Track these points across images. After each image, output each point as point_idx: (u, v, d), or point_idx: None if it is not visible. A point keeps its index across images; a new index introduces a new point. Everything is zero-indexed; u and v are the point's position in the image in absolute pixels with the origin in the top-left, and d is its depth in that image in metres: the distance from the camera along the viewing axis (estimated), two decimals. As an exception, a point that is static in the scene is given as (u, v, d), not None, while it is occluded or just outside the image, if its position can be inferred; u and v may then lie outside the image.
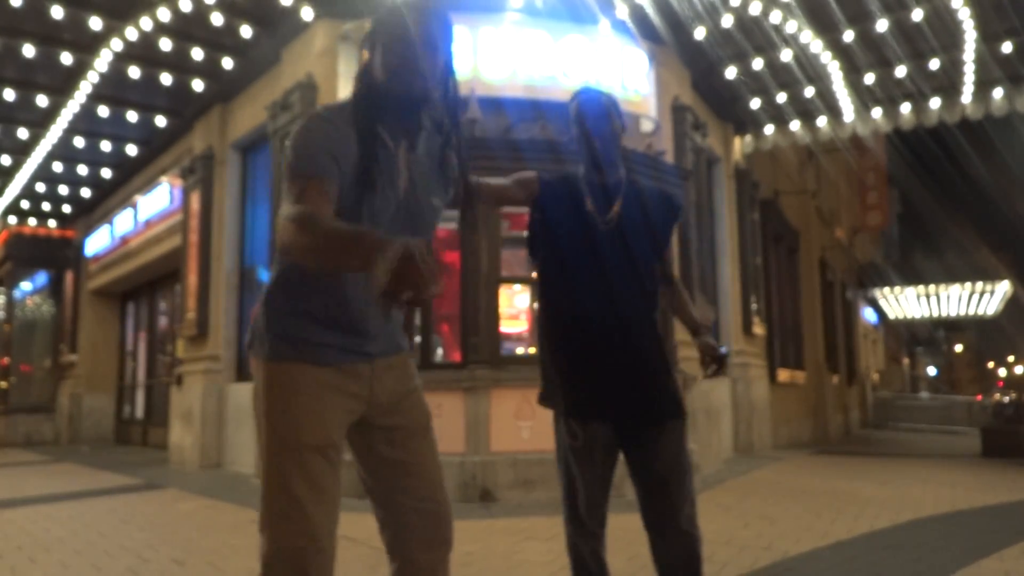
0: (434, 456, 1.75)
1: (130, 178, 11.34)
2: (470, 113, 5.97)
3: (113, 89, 8.19)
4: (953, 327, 41.45)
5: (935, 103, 8.95)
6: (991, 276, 20.55)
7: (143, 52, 7.43)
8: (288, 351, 1.59)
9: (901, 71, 8.22)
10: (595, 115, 2.14)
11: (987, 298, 21.34)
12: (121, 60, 7.51)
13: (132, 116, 9.01)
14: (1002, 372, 60.77)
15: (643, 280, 2.15)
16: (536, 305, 2.33)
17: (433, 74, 1.61)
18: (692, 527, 2.09)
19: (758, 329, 9.82)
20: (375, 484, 1.72)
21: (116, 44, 7.23)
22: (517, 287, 7.69)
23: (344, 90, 6.76)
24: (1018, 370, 59.15)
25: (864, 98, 8.95)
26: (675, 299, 2.32)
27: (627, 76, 7.04)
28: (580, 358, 2.13)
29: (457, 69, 1.71)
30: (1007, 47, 7.72)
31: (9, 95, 8.19)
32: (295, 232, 1.39)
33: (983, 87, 8.59)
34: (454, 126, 1.72)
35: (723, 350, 2.16)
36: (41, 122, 9.00)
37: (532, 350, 7.59)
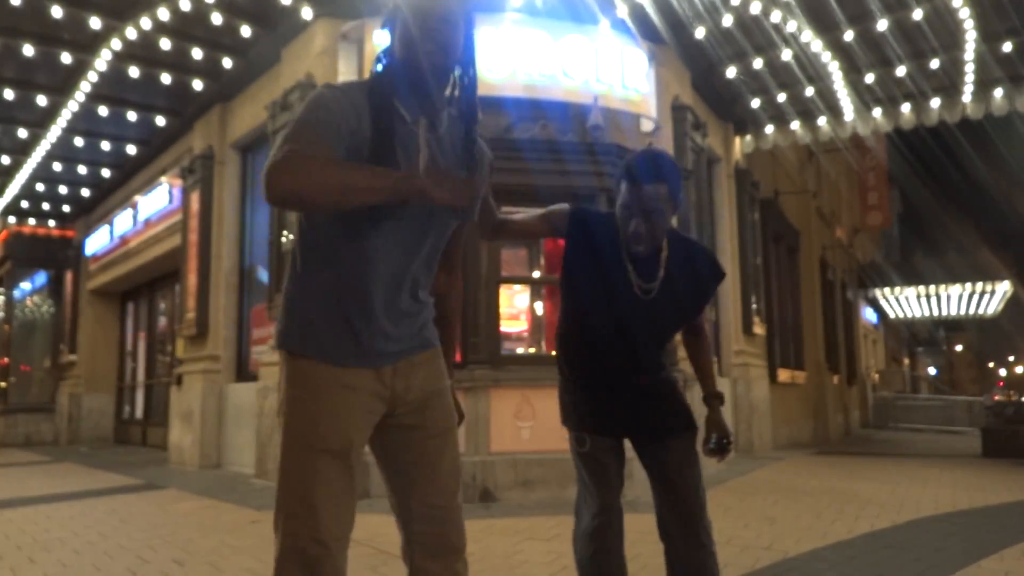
0: (451, 462, 1.67)
1: (130, 178, 11.34)
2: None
3: (113, 89, 8.19)
4: (954, 327, 41.46)
5: (935, 103, 8.94)
6: (992, 276, 20.52)
7: (143, 52, 7.43)
8: (310, 347, 1.55)
9: (901, 71, 8.22)
10: (658, 208, 1.95)
11: (987, 298, 21.32)
12: (121, 60, 7.51)
13: (132, 116, 9.01)
14: (1003, 372, 60.76)
15: (665, 335, 2.18)
16: (557, 325, 2.23)
17: (454, 50, 1.57)
18: (708, 541, 2.08)
19: (758, 329, 9.81)
20: (390, 485, 1.68)
21: (116, 44, 7.23)
22: (517, 287, 7.70)
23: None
24: (1019, 370, 59.13)
25: (864, 98, 8.95)
26: (698, 352, 2.27)
27: (627, 76, 7.03)
28: (590, 387, 2.15)
29: (476, 54, 1.65)
30: (1007, 47, 7.72)
31: (9, 95, 8.19)
32: (312, 168, 1.37)
33: (983, 87, 8.58)
34: (471, 114, 1.65)
35: (729, 439, 2.13)
36: (41, 122, 8.99)
37: (532, 350, 7.59)
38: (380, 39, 6.62)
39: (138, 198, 11.06)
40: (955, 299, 21.45)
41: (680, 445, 2.10)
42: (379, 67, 1.60)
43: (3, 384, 13.87)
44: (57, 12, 6.69)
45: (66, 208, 13.06)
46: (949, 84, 8.61)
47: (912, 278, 20.54)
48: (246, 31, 7.21)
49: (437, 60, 1.55)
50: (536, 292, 7.88)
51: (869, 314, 22.14)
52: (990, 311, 22.67)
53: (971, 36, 7.51)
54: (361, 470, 1.59)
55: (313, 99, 1.51)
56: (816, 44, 7.74)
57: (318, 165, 1.39)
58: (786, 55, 7.93)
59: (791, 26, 7.42)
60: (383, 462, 1.69)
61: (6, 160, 10.28)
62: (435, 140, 1.60)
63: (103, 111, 8.69)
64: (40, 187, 11.59)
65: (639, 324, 2.07)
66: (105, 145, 9.99)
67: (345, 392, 1.55)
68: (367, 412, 1.58)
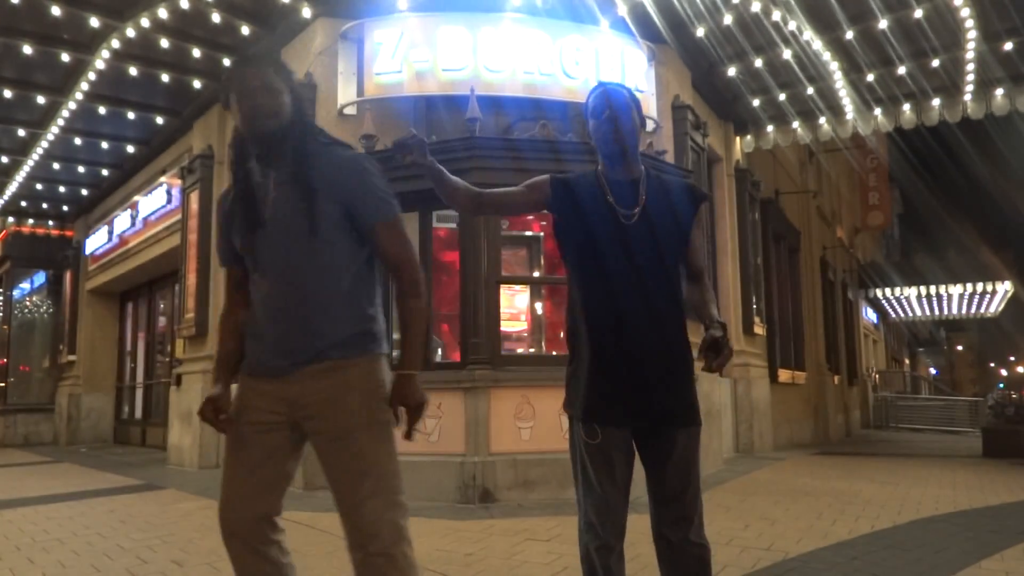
0: (351, 462, 1.84)
1: (129, 178, 11.33)
2: (470, 112, 5.95)
3: (112, 88, 8.18)
4: (954, 327, 41.46)
5: (936, 102, 8.93)
6: (992, 276, 20.51)
7: (142, 51, 7.42)
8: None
9: (902, 70, 8.21)
10: (621, 109, 2.13)
11: (988, 298, 21.31)
12: (120, 59, 7.50)
13: (131, 115, 9.00)
14: (1003, 372, 60.76)
15: (668, 277, 2.10)
16: (567, 306, 2.25)
17: (279, 113, 1.88)
18: (701, 539, 2.05)
19: (759, 329, 9.80)
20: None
21: (115, 43, 7.22)
22: (517, 287, 7.69)
23: (343, 89, 6.75)
24: (1020, 370, 59.14)
25: (865, 97, 8.94)
26: (699, 294, 2.19)
27: (627, 75, 7.02)
28: (603, 359, 2.06)
29: (306, 108, 2.02)
30: (1008, 46, 7.71)
31: (8, 94, 8.18)
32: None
33: (984, 86, 8.57)
34: (302, 155, 1.91)
35: (726, 343, 2.01)
36: (40, 121, 8.99)
37: (532, 350, 7.58)
38: (380, 39, 6.64)
39: (137, 198, 11.05)
40: (956, 299, 21.44)
41: (684, 448, 2.05)
42: (231, 138, 1.98)
43: (2, 384, 13.87)
44: (56, 12, 6.68)
45: (65, 208, 13.05)
46: (950, 84, 8.60)
47: (913, 278, 20.53)
48: (246, 31, 7.19)
49: (269, 129, 1.88)
50: (536, 292, 7.87)
51: (870, 314, 22.13)
52: (991, 311, 22.67)
53: (972, 35, 7.50)
54: (276, 460, 1.91)
55: (216, 219, 2.14)
56: (816, 43, 7.73)
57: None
58: (786, 54, 7.92)
59: (791, 25, 7.41)
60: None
61: (5, 160, 10.26)
62: (280, 185, 1.91)
63: (102, 111, 8.68)
64: (39, 187, 11.59)
65: (631, 255, 2.06)
66: (104, 145, 9.98)
67: (246, 387, 1.96)
68: (262, 408, 1.91)
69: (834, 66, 8.15)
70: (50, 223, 13.65)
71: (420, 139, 2.07)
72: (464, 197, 2.16)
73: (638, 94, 7.13)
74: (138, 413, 12.64)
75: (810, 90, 8.75)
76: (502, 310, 6.25)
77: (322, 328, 1.86)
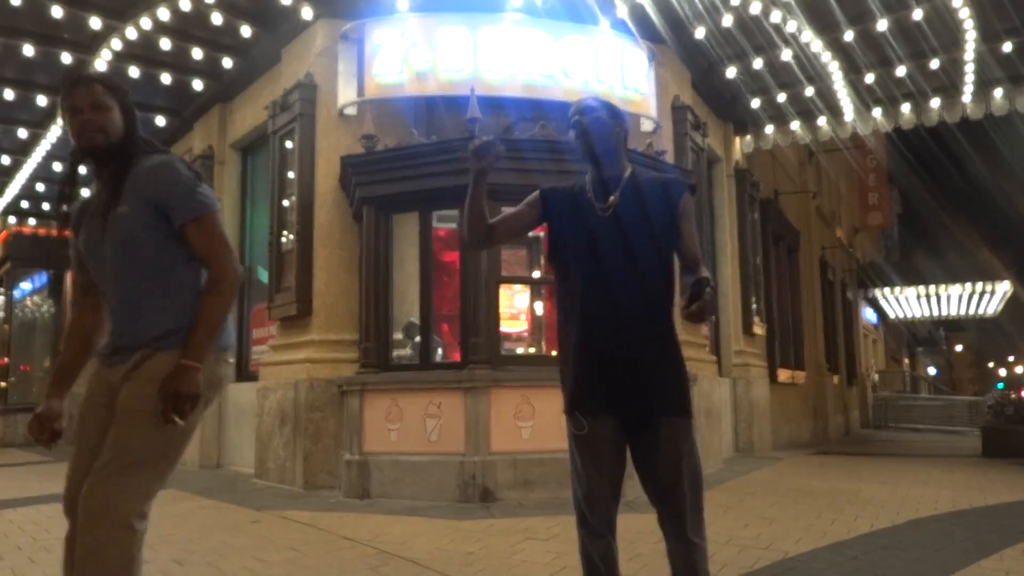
0: (113, 438, 1.96)
1: (130, 178, 11.33)
2: (470, 112, 5.96)
3: (112, 89, 8.17)
4: (954, 327, 41.48)
5: (935, 103, 8.94)
6: (991, 276, 20.54)
7: (143, 52, 7.42)
8: None
9: (901, 71, 8.22)
10: (590, 116, 2.24)
11: (987, 298, 21.33)
12: (121, 60, 7.50)
13: (131, 116, 9.00)
14: (1002, 372, 60.77)
15: (647, 268, 2.13)
16: (557, 310, 2.35)
17: (106, 129, 2.03)
18: (697, 536, 2.06)
19: (758, 329, 9.81)
20: None
21: (116, 44, 7.22)
22: (517, 287, 7.70)
23: (343, 90, 6.76)
24: (1019, 370, 59.14)
25: (864, 98, 8.95)
26: (693, 275, 2.11)
27: (627, 75, 7.03)
28: (584, 349, 2.13)
29: (136, 123, 2.13)
30: (1007, 46, 7.72)
31: (9, 95, 8.18)
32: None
33: (983, 87, 8.58)
34: (124, 167, 2.06)
35: (709, 286, 1.93)
36: (41, 122, 8.98)
37: (532, 350, 7.59)
38: (381, 39, 6.66)
39: (138, 198, 11.04)
40: (955, 299, 21.46)
41: (672, 440, 2.06)
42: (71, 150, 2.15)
43: (3, 384, 13.87)
44: (57, 12, 6.68)
45: (66, 208, 13.02)
46: (949, 84, 8.61)
47: (912, 278, 20.55)
48: (246, 31, 7.20)
49: (89, 141, 2.04)
50: (536, 292, 7.88)
51: (869, 314, 22.14)
52: (990, 311, 22.68)
53: (971, 36, 7.51)
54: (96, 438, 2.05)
55: None
56: (816, 44, 7.74)
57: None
58: (786, 55, 7.92)
59: (791, 26, 7.42)
60: None
61: (6, 160, 10.26)
62: (103, 192, 2.09)
63: (103, 111, 8.67)
64: (40, 187, 11.57)
65: (608, 246, 2.13)
66: (105, 145, 9.97)
67: (92, 376, 2.16)
68: (97, 395, 2.13)
69: (834, 67, 8.16)
70: (51, 223, 13.65)
71: (493, 147, 2.11)
72: (481, 223, 2.24)
73: (637, 95, 7.22)
74: (138, 413, 12.62)
75: (809, 90, 8.76)
76: (502, 310, 6.26)
77: (134, 326, 2.01)
